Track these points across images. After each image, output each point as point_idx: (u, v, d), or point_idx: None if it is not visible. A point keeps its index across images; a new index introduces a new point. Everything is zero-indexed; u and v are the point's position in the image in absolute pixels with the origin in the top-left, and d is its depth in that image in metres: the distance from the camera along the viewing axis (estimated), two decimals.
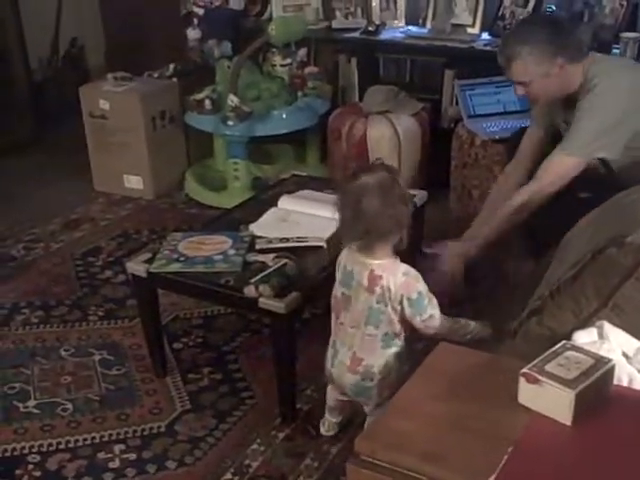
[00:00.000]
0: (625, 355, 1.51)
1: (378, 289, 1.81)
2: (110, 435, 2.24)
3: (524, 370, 1.26)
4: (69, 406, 2.36)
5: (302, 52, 3.87)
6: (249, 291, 2.12)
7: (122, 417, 2.31)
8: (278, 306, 2.09)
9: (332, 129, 3.62)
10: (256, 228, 2.47)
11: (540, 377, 1.24)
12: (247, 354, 2.59)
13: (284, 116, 3.63)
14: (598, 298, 1.69)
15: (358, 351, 1.89)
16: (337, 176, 3.60)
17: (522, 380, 1.26)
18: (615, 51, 3.22)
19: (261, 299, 2.11)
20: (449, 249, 2.49)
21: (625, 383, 1.42)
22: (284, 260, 2.22)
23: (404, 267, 1.83)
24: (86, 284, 3.06)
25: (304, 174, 3.03)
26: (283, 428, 2.26)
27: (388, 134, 3.47)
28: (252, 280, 2.14)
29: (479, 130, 3.31)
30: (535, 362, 1.27)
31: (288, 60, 3.79)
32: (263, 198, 2.77)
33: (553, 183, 2.40)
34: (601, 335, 1.55)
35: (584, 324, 1.66)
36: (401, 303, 1.82)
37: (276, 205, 2.61)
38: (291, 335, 2.19)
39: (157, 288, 2.40)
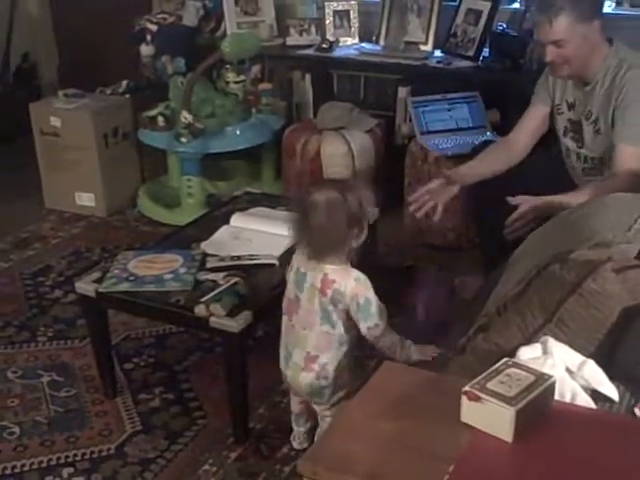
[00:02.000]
0: (569, 370, 1.53)
1: (329, 292, 1.87)
2: (58, 458, 2.21)
3: (466, 388, 1.26)
4: (16, 430, 2.32)
5: (256, 69, 3.87)
6: (200, 310, 2.11)
7: (71, 440, 2.27)
8: (229, 325, 2.08)
9: (286, 145, 3.63)
10: (208, 246, 2.45)
11: (481, 395, 1.24)
12: (199, 373, 2.57)
13: (238, 133, 3.63)
14: (543, 314, 1.71)
15: (312, 350, 1.93)
16: (292, 193, 3.60)
17: (464, 398, 1.26)
18: None
19: (212, 318, 2.09)
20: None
21: (568, 399, 1.43)
22: (235, 278, 2.21)
23: (355, 273, 1.88)
24: (35, 304, 3.01)
25: (257, 191, 3.03)
26: (235, 448, 2.24)
27: (342, 150, 3.49)
28: (203, 299, 2.13)
29: (432, 146, 3.34)
30: (477, 380, 1.28)
31: (242, 77, 3.79)
32: (216, 215, 2.75)
33: (624, 176, 2.35)
34: (545, 351, 1.56)
35: (530, 340, 1.68)
36: (350, 307, 1.88)
37: (228, 223, 2.60)
38: (243, 354, 2.18)
39: (107, 308, 2.37)
